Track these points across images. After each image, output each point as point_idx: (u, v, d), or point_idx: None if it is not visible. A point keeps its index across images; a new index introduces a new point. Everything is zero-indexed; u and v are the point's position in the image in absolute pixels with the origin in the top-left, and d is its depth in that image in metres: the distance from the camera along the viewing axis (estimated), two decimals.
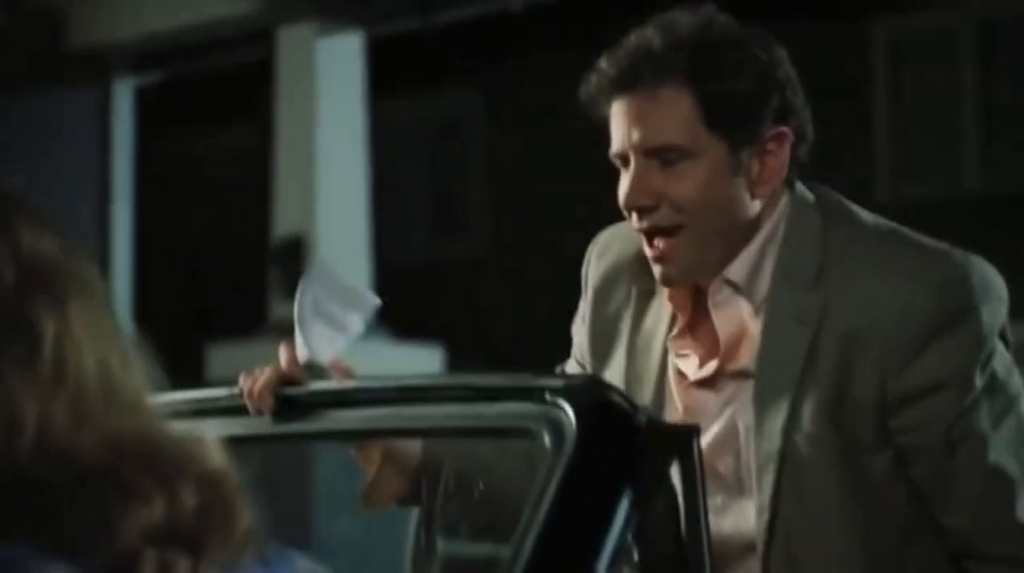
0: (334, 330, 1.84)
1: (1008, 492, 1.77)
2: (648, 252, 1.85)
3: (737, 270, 1.84)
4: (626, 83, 1.81)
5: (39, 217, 1.12)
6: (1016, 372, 1.80)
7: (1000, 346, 1.79)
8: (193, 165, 11.34)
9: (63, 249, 1.11)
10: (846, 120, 9.41)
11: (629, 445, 1.57)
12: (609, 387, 1.67)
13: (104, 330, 1.05)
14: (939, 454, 1.76)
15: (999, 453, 1.76)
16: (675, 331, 1.89)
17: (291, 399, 1.83)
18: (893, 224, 1.87)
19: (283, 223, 7.87)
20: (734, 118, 1.80)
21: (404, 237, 10.10)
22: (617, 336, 1.93)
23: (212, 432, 1.71)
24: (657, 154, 1.81)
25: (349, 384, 1.83)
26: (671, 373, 1.88)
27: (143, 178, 8.82)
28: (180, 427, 1.06)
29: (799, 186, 1.88)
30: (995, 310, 1.78)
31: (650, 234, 1.84)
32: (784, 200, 1.86)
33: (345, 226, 7.68)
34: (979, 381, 1.76)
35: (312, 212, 7.67)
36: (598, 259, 1.97)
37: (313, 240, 7.61)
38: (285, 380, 1.82)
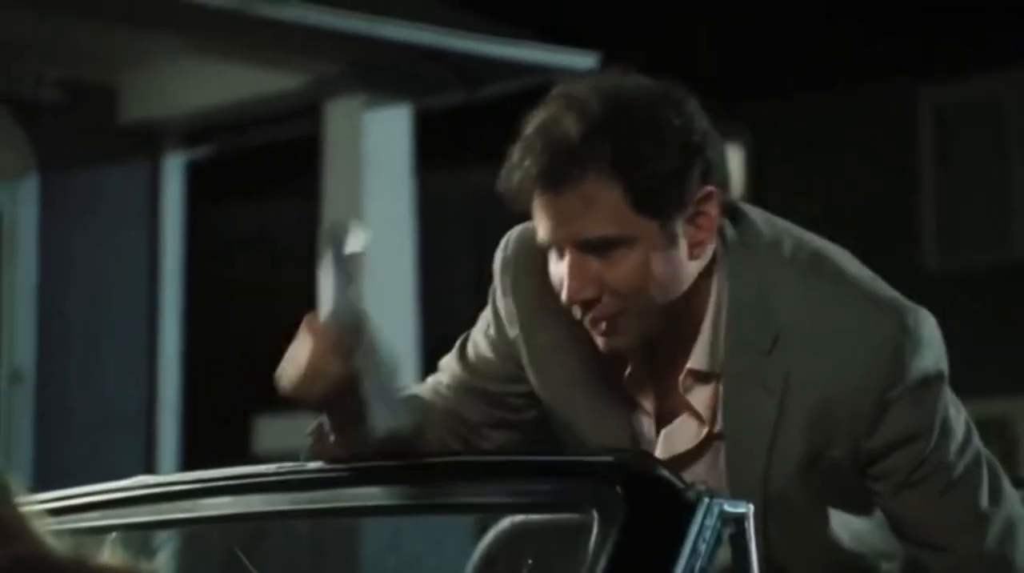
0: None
1: (971, 519, 1.85)
2: (589, 328, 1.84)
3: (699, 357, 1.85)
4: (549, 183, 1.79)
5: None
6: (962, 409, 1.89)
7: (946, 387, 1.86)
8: (242, 238, 11.42)
9: None
10: (893, 188, 9.38)
11: (679, 520, 1.56)
12: (658, 462, 1.67)
13: None
14: (907, 490, 1.84)
15: (963, 483, 1.85)
16: (626, 374, 1.89)
17: (342, 472, 1.83)
18: (823, 255, 1.88)
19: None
20: (662, 198, 1.80)
21: (451, 308, 10.12)
22: (563, 361, 1.91)
23: (259, 506, 1.71)
24: (592, 247, 1.81)
25: (401, 460, 1.83)
26: (639, 420, 1.90)
27: (192, 251, 8.89)
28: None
29: (734, 216, 1.88)
30: (940, 356, 1.85)
31: (595, 323, 1.83)
32: (721, 255, 1.86)
33: (392, 297, 7.71)
34: (938, 424, 1.84)
35: (359, 284, 7.69)
36: (518, 276, 1.93)
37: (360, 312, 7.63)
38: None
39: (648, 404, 1.88)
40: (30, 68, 8.08)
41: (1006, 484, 1.90)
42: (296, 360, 1.80)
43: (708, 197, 1.82)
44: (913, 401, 1.82)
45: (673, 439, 1.87)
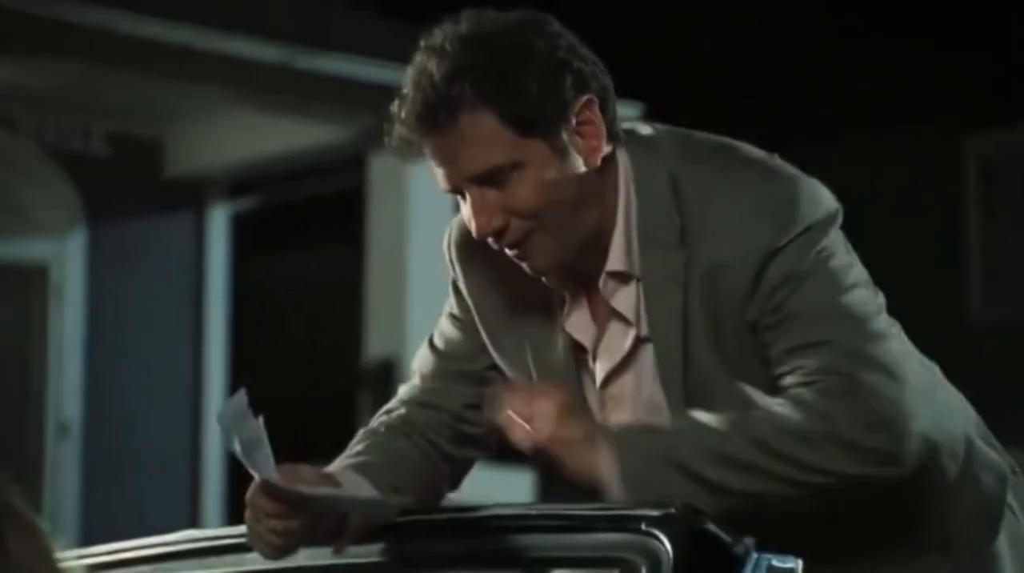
0: (260, 448, 1.86)
1: (844, 328, 1.81)
2: (508, 253, 1.88)
3: (616, 259, 1.88)
4: (427, 128, 1.84)
5: None
6: (857, 269, 1.86)
7: (839, 251, 1.85)
8: (286, 289, 11.47)
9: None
10: (938, 238, 9.34)
11: None
12: (706, 516, 1.66)
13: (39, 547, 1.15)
14: (787, 325, 1.83)
15: (843, 321, 1.81)
16: (566, 311, 1.92)
17: (382, 528, 1.83)
18: (720, 144, 1.91)
19: (374, 347, 7.92)
20: (539, 116, 1.84)
21: None
22: (510, 318, 1.95)
23: (304, 561, 1.70)
24: (486, 179, 1.85)
25: (443, 513, 1.83)
26: (576, 359, 1.92)
27: (237, 302, 8.94)
28: None
29: (632, 131, 1.92)
30: (824, 223, 1.85)
31: (511, 247, 1.87)
32: (623, 157, 1.89)
33: None
34: (822, 269, 1.83)
35: (403, 336, 7.72)
36: (464, 257, 1.98)
37: (404, 363, 7.65)
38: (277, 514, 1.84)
39: (589, 342, 1.91)
40: (79, 123, 8.17)
41: (905, 347, 1.87)
42: (261, 536, 1.86)
43: (587, 105, 1.86)
44: (797, 248, 1.82)
45: (610, 352, 1.90)
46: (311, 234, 10.93)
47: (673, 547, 1.55)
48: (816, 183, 1.89)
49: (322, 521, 1.85)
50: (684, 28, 10.96)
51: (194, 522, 7.80)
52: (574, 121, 1.85)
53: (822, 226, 1.85)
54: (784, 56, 10.88)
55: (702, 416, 1.79)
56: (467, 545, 1.79)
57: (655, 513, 1.63)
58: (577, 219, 1.86)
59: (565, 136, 1.85)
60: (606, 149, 1.87)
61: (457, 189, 1.87)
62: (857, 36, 10.39)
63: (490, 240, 1.87)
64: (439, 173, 1.87)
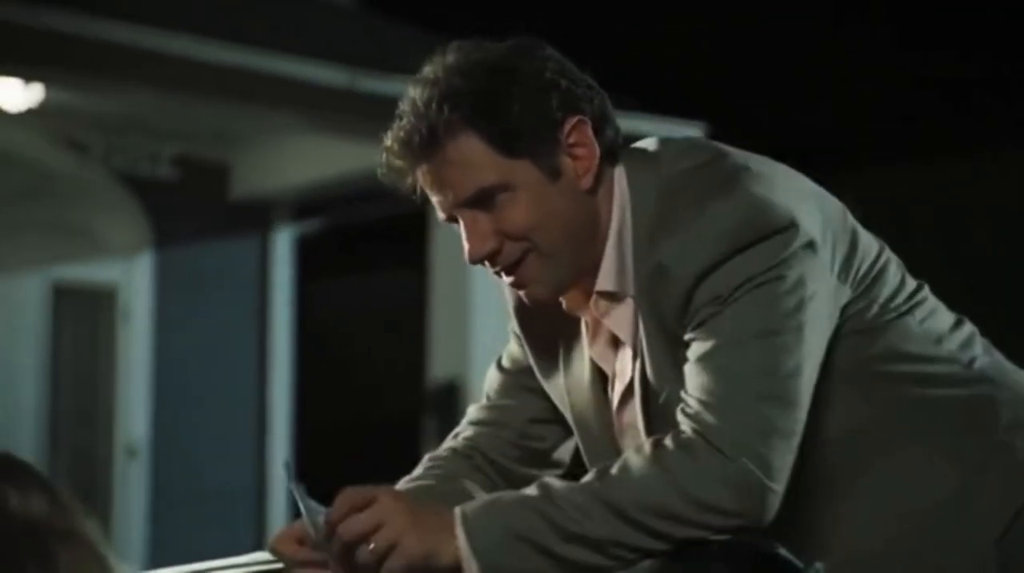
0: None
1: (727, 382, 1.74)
2: (507, 282, 1.87)
3: (604, 279, 1.85)
4: (416, 156, 1.84)
5: (29, 478, 1.23)
6: (801, 307, 1.75)
7: (785, 285, 1.75)
8: (349, 311, 11.52)
9: (51, 504, 1.21)
10: (1020, 259, 9.21)
11: None
12: (773, 543, 1.64)
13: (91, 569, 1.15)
14: (697, 344, 1.78)
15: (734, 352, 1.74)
16: (590, 338, 1.91)
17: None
18: (713, 158, 1.85)
19: (438, 368, 7.93)
20: (526, 138, 1.82)
21: None
22: (552, 355, 1.95)
23: None
24: (476, 202, 1.84)
25: None
26: (602, 386, 1.90)
27: (301, 323, 8.98)
28: None
29: (636, 148, 1.89)
30: (767, 250, 1.76)
31: (505, 271, 1.86)
32: (620, 175, 1.86)
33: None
34: (740, 297, 1.75)
35: (466, 358, 7.72)
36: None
37: (467, 385, 7.65)
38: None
39: (610, 367, 1.90)
40: (146, 146, 8.25)
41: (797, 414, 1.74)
42: None
43: (578, 126, 1.84)
44: (729, 271, 1.75)
45: (622, 376, 1.88)
46: (375, 256, 10.97)
47: None
48: (774, 203, 1.79)
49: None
50: (747, 49, 10.93)
51: (260, 544, 7.83)
52: (564, 142, 1.84)
53: (765, 249, 1.76)
54: (863, 78, 10.80)
55: (558, 485, 1.73)
56: None
57: (728, 538, 1.61)
58: (570, 241, 1.84)
59: (555, 156, 1.84)
60: (603, 169, 1.85)
61: (452, 217, 1.87)
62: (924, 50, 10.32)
63: (487, 266, 1.86)
64: (434, 201, 1.87)
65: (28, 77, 7.20)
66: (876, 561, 1.78)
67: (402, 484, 1.99)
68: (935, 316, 1.90)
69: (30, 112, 7.46)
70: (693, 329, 1.77)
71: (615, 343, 1.89)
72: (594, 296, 1.86)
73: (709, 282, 1.76)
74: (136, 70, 7.01)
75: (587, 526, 1.69)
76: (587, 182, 1.84)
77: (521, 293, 1.87)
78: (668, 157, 1.87)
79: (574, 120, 1.84)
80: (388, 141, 1.87)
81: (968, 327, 1.93)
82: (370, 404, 11.15)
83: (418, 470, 2.01)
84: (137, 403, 8.23)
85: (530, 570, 1.70)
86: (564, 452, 2.00)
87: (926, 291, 1.91)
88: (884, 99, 10.51)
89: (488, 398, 2.04)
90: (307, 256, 9.15)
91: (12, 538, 1.17)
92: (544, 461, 2.00)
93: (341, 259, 10.85)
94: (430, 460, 2.02)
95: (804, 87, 10.83)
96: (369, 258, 11.03)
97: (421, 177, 1.86)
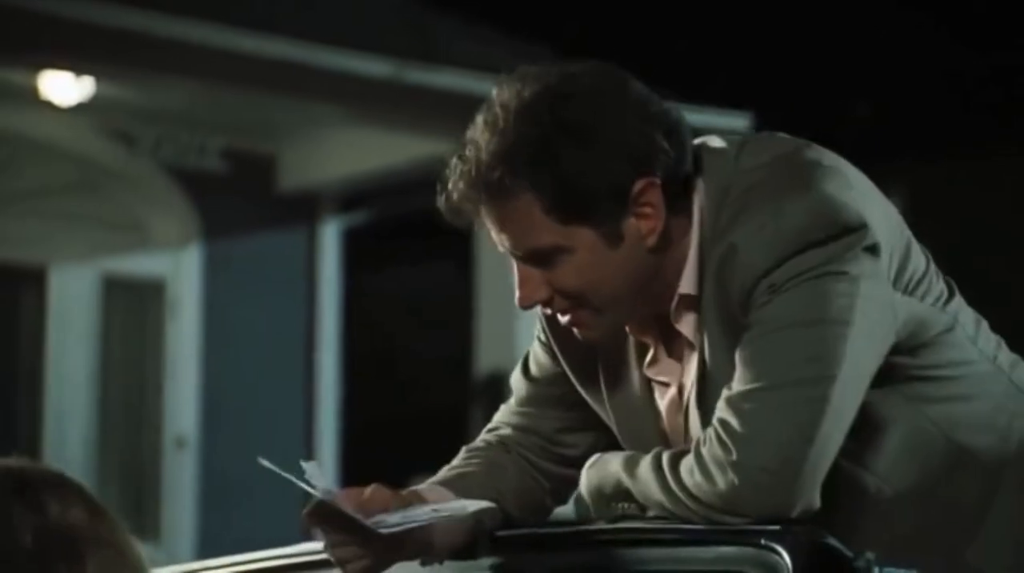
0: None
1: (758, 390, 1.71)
2: (561, 320, 1.83)
3: (687, 282, 1.81)
4: (475, 202, 1.79)
5: (68, 489, 1.27)
6: (852, 305, 1.72)
7: (840, 281, 1.72)
8: (396, 302, 11.55)
9: (89, 515, 1.25)
10: None
11: None
12: (825, 531, 1.63)
13: None
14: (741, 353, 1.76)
15: (783, 383, 1.71)
16: (648, 360, 1.87)
17: (502, 541, 1.82)
18: (789, 156, 1.81)
19: (485, 360, 7.94)
20: (585, 204, 1.76)
21: None
22: (594, 368, 1.91)
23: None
24: (530, 259, 1.80)
25: (560, 526, 1.82)
26: (657, 399, 1.87)
27: (349, 314, 9.01)
28: None
29: (705, 152, 1.83)
30: (832, 249, 1.73)
31: (563, 316, 1.83)
32: (697, 189, 1.80)
33: None
34: (787, 286, 1.73)
35: (513, 349, 7.73)
36: None
37: None
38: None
39: (675, 380, 1.86)
40: (195, 139, 8.29)
41: (833, 434, 1.71)
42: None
43: (647, 189, 1.77)
44: (790, 267, 1.73)
45: (689, 380, 1.85)
46: (422, 248, 11.00)
47: (793, 561, 1.53)
48: (847, 203, 1.76)
49: (400, 547, 1.82)
50: (797, 37, 10.87)
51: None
52: (632, 204, 1.77)
53: (831, 247, 1.74)
54: (907, 72, 10.73)
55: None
56: (584, 558, 1.78)
57: (775, 527, 1.61)
58: (627, 296, 1.80)
59: (618, 221, 1.77)
60: (664, 224, 1.78)
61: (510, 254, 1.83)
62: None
63: (537, 308, 1.84)
64: (491, 238, 1.83)
65: (78, 71, 7.25)
66: (919, 550, 1.77)
67: (443, 472, 1.98)
68: (966, 315, 1.90)
69: (80, 106, 7.51)
70: (748, 320, 1.76)
71: (679, 352, 1.86)
72: (676, 300, 1.81)
73: (772, 276, 1.74)
74: (184, 64, 7.05)
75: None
76: (652, 241, 1.79)
77: (575, 331, 1.84)
78: (741, 153, 1.83)
79: (643, 183, 1.77)
80: (449, 180, 1.81)
81: (985, 323, 1.93)
82: (417, 395, 11.18)
83: (457, 460, 2.00)
84: (185, 394, 8.28)
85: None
86: (594, 454, 1.99)
87: (957, 293, 1.90)
88: (936, 93, 10.43)
89: (517, 402, 2.01)
90: (354, 248, 9.18)
91: (46, 545, 1.21)
92: (575, 464, 1.98)
93: (388, 251, 10.87)
94: (468, 451, 2.02)
95: (852, 77, 10.76)
96: (416, 249, 11.05)
97: (479, 218, 1.82)
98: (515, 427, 2.00)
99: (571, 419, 1.96)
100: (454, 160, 1.81)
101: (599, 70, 1.81)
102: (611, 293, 1.79)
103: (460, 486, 1.91)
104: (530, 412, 1.99)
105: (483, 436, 2.03)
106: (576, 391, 1.95)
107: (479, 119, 1.80)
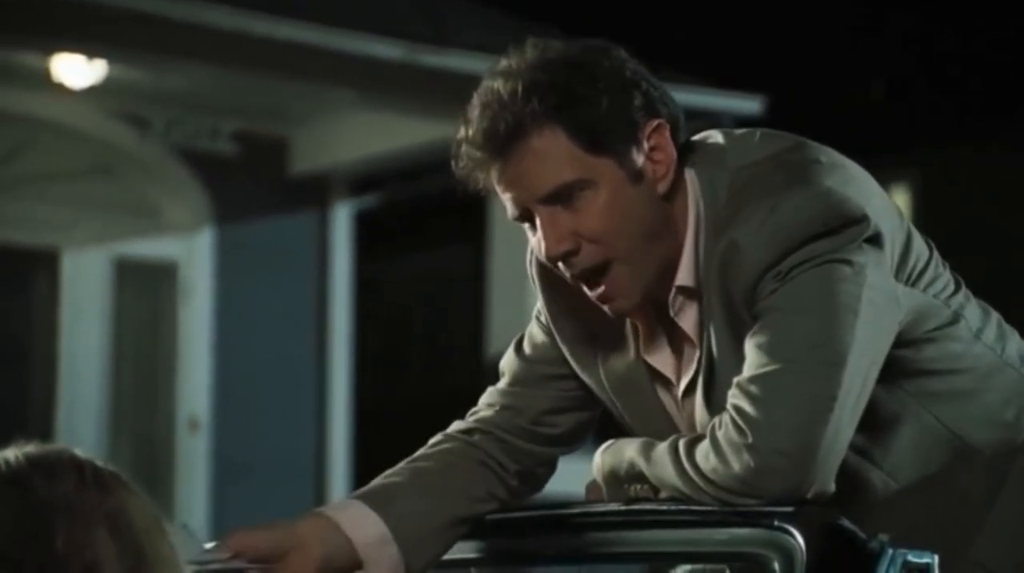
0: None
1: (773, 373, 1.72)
2: (589, 294, 1.84)
3: (684, 274, 1.83)
4: (496, 148, 1.79)
5: (60, 466, 1.30)
6: (858, 294, 1.74)
7: (845, 270, 1.74)
8: (408, 285, 11.56)
9: (77, 489, 1.29)
10: None
11: (862, 571, 1.53)
12: (840, 513, 1.64)
13: None
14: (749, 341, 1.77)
15: (793, 364, 1.72)
16: (643, 342, 1.88)
17: (508, 523, 1.83)
18: (788, 143, 1.83)
19: (496, 342, 7.95)
20: (609, 133, 1.80)
21: None
22: (589, 351, 1.92)
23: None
24: (556, 198, 1.80)
25: (574, 507, 1.83)
26: (654, 381, 1.88)
27: (361, 298, 9.02)
28: None
29: (700, 147, 1.86)
30: (836, 240, 1.75)
31: (584, 278, 1.83)
32: (691, 175, 1.83)
33: None
34: (792, 275, 1.74)
35: None
36: (544, 277, 1.94)
37: None
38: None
39: (671, 370, 1.88)
40: (207, 122, 8.30)
41: (846, 413, 1.72)
42: None
43: (657, 129, 1.82)
44: (796, 258, 1.75)
45: (687, 375, 1.86)
46: (433, 231, 11.00)
47: (806, 543, 1.54)
48: (847, 197, 1.78)
49: None
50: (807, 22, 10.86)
51: None
52: (644, 144, 1.81)
53: (834, 238, 1.76)
54: (920, 58, 10.70)
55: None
56: (598, 539, 1.79)
57: (788, 509, 1.62)
58: (649, 246, 1.82)
59: (636, 158, 1.81)
60: (677, 171, 1.83)
61: (526, 214, 1.82)
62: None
63: (560, 267, 1.83)
64: (507, 198, 1.82)
65: (90, 54, 7.26)
66: (926, 544, 1.78)
67: (401, 465, 1.99)
68: (972, 309, 1.91)
69: (92, 89, 7.52)
70: (755, 312, 1.77)
71: (678, 344, 1.87)
72: (673, 293, 1.83)
73: (778, 267, 1.75)
74: (196, 47, 7.05)
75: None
76: (664, 187, 1.82)
77: (606, 307, 1.84)
78: (738, 149, 1.85)
79: (655, 123, 1.81)
80: (467, 131, 1.82)
81: (995, 315, 1.94)
82: (429, 378, 11.19)
83: (421, 450, 2.00)
84: (198, 377, 8.30)
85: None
86: (575, 434, 1.99)
87: (963, 286, 1.91)
88: (945, 79, 10.41)
89: (506, 382, 2.02)
90: (366, 231, 9.19)
91: (43, 519, 1.23)
92: (554, 443, 1.99)
93: (399, 234, 10.88)
94: (429, 446, 2.01)
95: (861, 62, 10.74)
96: (428, 233, 11.05)
97: (495, 174, 1.82)
98: (501, 407, 2.00)
99: (560, 399, 1.98)
100: (468, 116, 1.83)
101: (597, 43, 1.87)
102: (634, 238, 1.81)
103: (411, 484, 1.94)
104: (518, 391, 2.00)
105: (459, 424, 2.03)
106: (567, 372, 1.96)
107: (487, 81, 1.84)
